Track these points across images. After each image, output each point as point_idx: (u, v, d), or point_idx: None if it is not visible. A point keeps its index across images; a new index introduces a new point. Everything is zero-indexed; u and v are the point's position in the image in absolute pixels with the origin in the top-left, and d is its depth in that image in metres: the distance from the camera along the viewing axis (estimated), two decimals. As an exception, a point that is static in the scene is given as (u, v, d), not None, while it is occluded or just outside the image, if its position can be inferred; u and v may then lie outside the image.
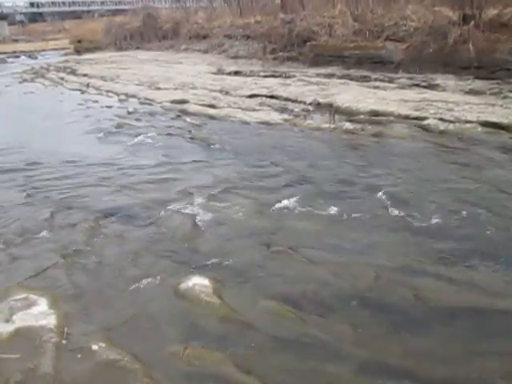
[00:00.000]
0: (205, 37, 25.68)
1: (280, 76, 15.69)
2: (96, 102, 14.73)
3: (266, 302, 3.82)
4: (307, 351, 3.27)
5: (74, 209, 6.00)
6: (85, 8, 64.63)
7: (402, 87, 12.06)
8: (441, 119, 8.82)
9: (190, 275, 4.23)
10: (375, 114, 9.84)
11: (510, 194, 5.49)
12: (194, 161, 7.68)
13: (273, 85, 14.12)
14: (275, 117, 10.51)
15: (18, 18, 62.47)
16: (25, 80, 22.38)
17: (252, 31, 21.05)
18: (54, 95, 17.12)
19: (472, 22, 12.62)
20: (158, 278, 4.26)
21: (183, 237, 5.03)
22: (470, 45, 12.12)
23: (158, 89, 15.87)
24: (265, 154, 7.76)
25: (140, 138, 9.50)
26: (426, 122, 8.82)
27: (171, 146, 8.79)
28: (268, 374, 3.09)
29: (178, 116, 11.64)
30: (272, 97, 12.74)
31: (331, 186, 6.15)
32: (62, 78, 21.65)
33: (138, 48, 31.58)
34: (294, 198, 5.73)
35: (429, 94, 10.85)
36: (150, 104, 13.58)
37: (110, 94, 16.19)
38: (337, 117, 10.29)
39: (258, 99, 12.67)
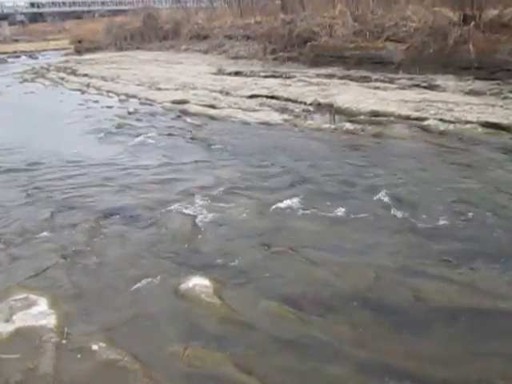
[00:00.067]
0: (205, 37, 25.69)
1: (280, 76, 15.69)
2: (96, 102, 14.74)
3: (267, 303, 3.82)
4: (307, 352, 3.27)
5: (75, 209, 6.01)
6: (85, 8, 64.70)
7: (403, 88, 12.05)
8: (441, 120, 8.82)
9: (191, 275, 4.23)
10: (375, 114, 9.83)
11: (510, 195, 5.49)
12: (194, 161, 7.68)
13: (273, 85, 14.12)
14: (276, 117, 10.51)
15: (19, 18, 62.54)
16: (25, 80, 22.40)
17: (252, 32, 21.06)
18: (54, 95, 17.13)
19: (472, 23, 12.61)
20: (159, 278, 4.25)
21: (184, 237, 5.03)
22: (471, 45, 12.11)
23: (159, 89, 15.88)
24: (265, 155, 7.76)
25: (140, 138, 9.50)
26: (426, 123, 8.82)
27: (172, 147, 8.79)
28: (268, 375, 3.09)
29: (179, 116, 11.64)
30: (272, 97, 12.73)
31: (332, 187, 6.15)
32: (63, 78, 21.67)
33: (138, 48, 31.60)
34: (295, 199, 5.73)
35: (429, 95, 10.84)
36: (151, 104, 13.59)
37: (110, 94, 16.19)
38: (337, 117, 10.29)
39: (259, 99, 12.66)
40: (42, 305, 3.96)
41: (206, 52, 23.95)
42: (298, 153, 7.75)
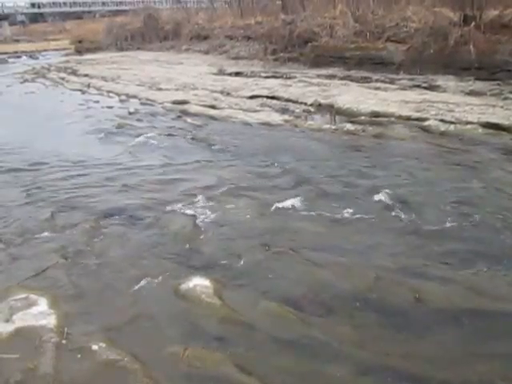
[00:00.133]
0: (206, 37, 25.70)
1: (281, 77, 15.70)
2: (97, 102, 14.75)
3: (267, 303, 3.81)
4: (308, 352, 3.26)
5: (75, 209, 6.00)
6: (86, 8, 64.72)
7: (403, 88, 12.05)
8: (441, 120, 8.82)
9: (191, 276, 4.22)
10: (376, 115, 9.83)
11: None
12: (195, 161, 7.68)
13: (274, 86, 14.12)
14: (276, 118, 10.51)
15: (19, 18, 62.60)
16: (26, 80, 22.41)
17: (253, 32, 21.05)
18: (54, 95, 17.14)
19: (473, 23, 12.61)
20: (159, 278, 4.25)
21: (184, 237, 5.03)
22: (471, 46, 12.11)
23: (159, 89, 15.88)
24: (266, 155, 7.75)
25: (141, 138, 9.50)
26: (426, 123, 8.82)
27: (173, 147, 8.79)
28: (268, 375, 3.08)
29: (179, 117, 11.65)
30: (273, 98, 12.74)
31: (333, 187, 6.15)
32: (63, 79, 21.69)
33: (138, 48, 31.62)
34: (296, 199, 5.72)
35: (429, 95, 10.84)
36: (151, 105, 13.59)
37: (110, 94, 16.20)
38: (338, 118, 10.29)
39: (259, 100, 12.67)
40: (42, 305, 3.95)
41: (206, 52, 23.96)
42: (298, 153, 7.75)
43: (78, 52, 35.75)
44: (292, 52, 17.83)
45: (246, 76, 16.79)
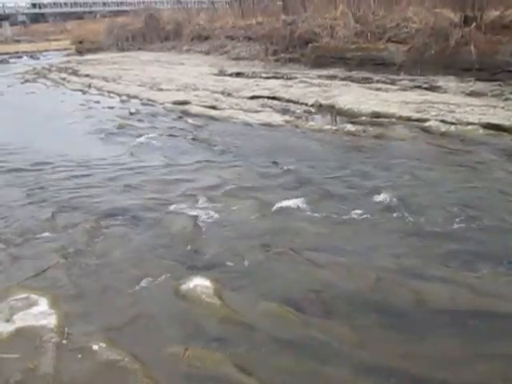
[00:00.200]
0: (206, 38, 25.71)
1: (282, 77, 15.70)
2: (98, 102, 14.76)
3: (267, 304, 3.81)
4: (308, 353, 3.26)
5: (76, 209, 6.01)
6: (87, 9, 64.75)
7: (404, 89, 12.05)
8: (442, 121, 8.81)
9: (192, 276, 4.22)
10: (377, 115, 9.82)
11: (512, 196, 5.49)
12: (196, 162, 7.68)
13: (274, 86, 14.12)
14: (277, 118, 10.51)
15: (20, 18, 62.76)
16: (27, 80, 22.42)
17: (254, 32, 21.06)
18: (55, 95, 17.16)
19: (473, 24, 12.60)
20: (159, 278, 4.25)
21: (185, 238, 5.02)
22: (472, 46, 12.10)
23: (160, 90, 15.89)
24: (267, 156, 7.75)
25: (142, 138, 9.50)
26: (427, 124, 8.81)
27: (174, 147, 8.79)
28: (268, 376, 3.08)
29: (180, 117, 11.65)
30: (274, 98, 12.74)
31: (333, 188, 6.14)
32: (64, 79, 21.71)
33: (139, 49, 31.64)
34: (297, 200, 5.72)
35: (430, 96, 10.84)
36: (152, 105, 13.60)
37: (111, 94, 16.22)
38: (338, 118, 10.29)
39: (260, 101, 12.67)
40: (43, 305, 3.95)
41: (207, 53, 23.98)
42: (299, 154, 7.75)
43: (79, 52, 35.80)
44: (293, 53, 17.83)
45: (247, 76, 16.80)
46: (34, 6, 64.46)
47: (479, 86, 11.11)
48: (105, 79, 19.85)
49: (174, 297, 4.00)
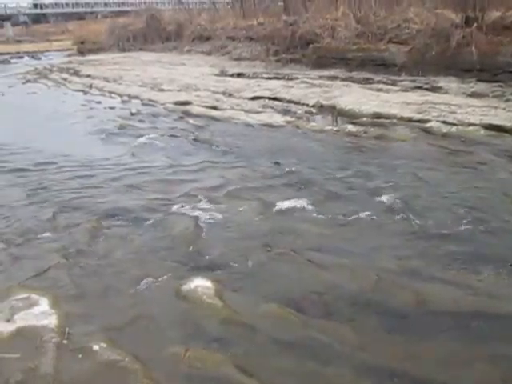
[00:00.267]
0: (208, 38, 25.71)
1: (283, 78, 15.70)
2: (99, 102, 14.76)
3: (268, 305, 3.80)
4: (309, 354, 3.25)
5: (77, 209, 6.00)
6: (88, 9, 64.84)
7: (405, 90, 12.05)
8: (443, 122, 8.81)
9: (193, 277, 4.21)
10: (378, 116, 9.82)
11: (513, 197, 5.47)
12: (197, 162, 7.68)
13: (276, 87, 14.12)
14: (278, 119, 10.51)
15: (22, 18, 62.81)
16: (28, 81, 22.43)
17: (255, 33, 21.06)
18: (56, 96, 17.17)
19: (475, 25, 12.58)
20: (160, 279, 4.25)
21: (186, 238, 5.02)
22: (473, 47, 12.09)
23: (161, 90, 15.90)
24: (268, 156, 7.75)
25: (143, 139, 9.51)
26: (428, 125, 8.81)
27: (175, 148, 8.79)
28: (269, 377, 3.07)
29: (181, 117, 11.66)
30: (275, 99, 12.75)
31: (335, 189, 6.14)
32: (65, 79, 21.72)
33: (141, 49, 31.63)
34: (298, 201, 5.72)
35: (431, 97, 10.84)
36: (153, 105, 13.61)
37: (112, 95, 16.22)
38: (339, 119, 10.29)
39: (261, 101, 12.68)
40: (44, 305, 3.95)
41: (208, 53, 23.98)
42: (301, 154, 7.74)
43: (81, 53, 35.80)
44: (294, 53, 17.83)
45: (248, 77, 16.81)
46: (35, 6, 64.58)
47: (480, 86, 11.10)
48: (106, 79, 19.86)
49: (175, 297, 4.00)
